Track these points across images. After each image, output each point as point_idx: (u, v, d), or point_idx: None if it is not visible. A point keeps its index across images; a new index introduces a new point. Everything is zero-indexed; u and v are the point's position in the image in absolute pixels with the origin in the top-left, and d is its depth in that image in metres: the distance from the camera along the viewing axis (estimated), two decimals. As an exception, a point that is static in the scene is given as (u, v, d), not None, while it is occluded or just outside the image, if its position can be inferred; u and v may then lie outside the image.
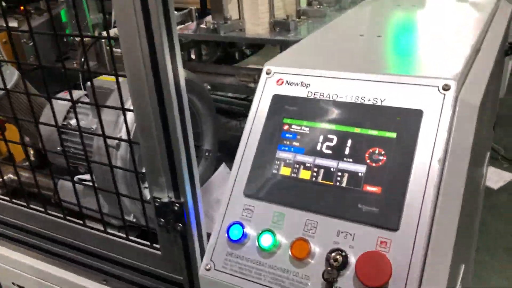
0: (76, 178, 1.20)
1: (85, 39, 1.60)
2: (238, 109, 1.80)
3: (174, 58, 0.73)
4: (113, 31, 1.63)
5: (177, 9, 1.81)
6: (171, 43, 0.71)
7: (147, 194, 0.99)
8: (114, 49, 1.68)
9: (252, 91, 1.49)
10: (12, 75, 1.30)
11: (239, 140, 1.60)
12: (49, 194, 1.35)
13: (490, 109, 1.23)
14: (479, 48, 1.01)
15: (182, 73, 0.75)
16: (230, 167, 1.51)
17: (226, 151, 1.61)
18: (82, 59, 1.47)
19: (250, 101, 1.53)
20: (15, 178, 1.45)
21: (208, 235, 0.93)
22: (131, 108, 0.79)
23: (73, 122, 1.25)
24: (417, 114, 0.78)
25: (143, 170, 0.87)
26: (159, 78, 0.73)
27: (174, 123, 0.77)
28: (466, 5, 1.40)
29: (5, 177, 1.45)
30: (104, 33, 1.55)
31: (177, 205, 0.82)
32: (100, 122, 0.86)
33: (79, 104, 1.22)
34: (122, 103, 0.81)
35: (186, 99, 0.78)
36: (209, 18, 1.43)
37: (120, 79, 1.13)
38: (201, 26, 1.37)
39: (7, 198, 1.16)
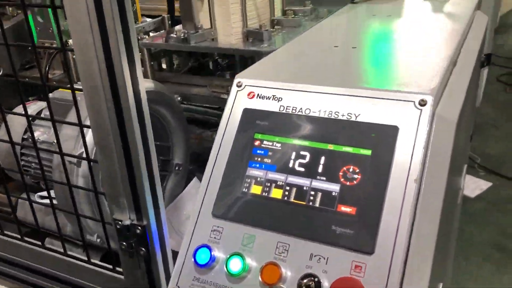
0: (36, 195, 1.13)
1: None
2: (212, 119, 1.76)
3: (133, 70, 0.68)
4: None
5: (149, 16, 1.76)
6: (130, 54, 0.66)
7: (111, 213, 0.94)
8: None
9: (225, 102, 1.44)
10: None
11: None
12: (3, 209, 1.28)
13: (467, 121, 1.21)
14: (455, 60, 0.99)
15: (143, 87, 0.70)
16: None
17: (200, 163, 1.56)
18: (47, 69, 1.41)
19: (219, 106, 1.48)
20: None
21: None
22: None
23: (35, 135, 1.18)
24: (392, 131, 0.75)
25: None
26: (118, 92, 0.68)
27: (135, 140, 0.71)
28: (442, 16, 1.38)
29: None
30: (70, 42, 1.48)
31: (139, 228, 0.76)
32: (57, 138, 0.80)
33: (39, 117, 1.16)
34: (79, 119, 0.75)
35: (148, 114, 0.73)
36: (179, 27, 1.38)
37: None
38: (171, 35, 1.32)
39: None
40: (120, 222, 0.77)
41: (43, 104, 1.24)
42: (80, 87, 0.73)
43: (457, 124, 0.79)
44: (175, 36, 1.29)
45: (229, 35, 1.25)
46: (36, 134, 1.16)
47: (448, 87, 0.86)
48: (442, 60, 0.92)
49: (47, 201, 1.10)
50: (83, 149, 0.97)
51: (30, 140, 1.18)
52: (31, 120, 1.18)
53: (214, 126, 1.72)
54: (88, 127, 0.74)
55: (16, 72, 0.78)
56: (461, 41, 1.08)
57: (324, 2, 1.78)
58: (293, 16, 1.39)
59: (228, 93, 1.40)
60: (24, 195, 1.15)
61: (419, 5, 1.48)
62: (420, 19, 1.34)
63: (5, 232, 1.04)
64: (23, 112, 1.10)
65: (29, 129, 0.83)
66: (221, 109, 1.64)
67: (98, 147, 0.74)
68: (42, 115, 1.20)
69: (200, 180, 1.38)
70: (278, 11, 1.39)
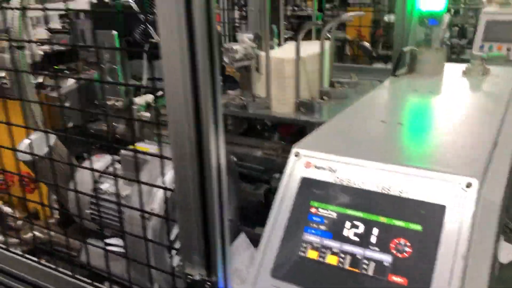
0: (105, 242, 1.24)
1: (117, 103, 1.69)
2: (255, 174, 1.85)
3: (218, 142, 0.78)
4: (143, 99, 1.72)
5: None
6: (217, 128, 0.77)
7: (172, 262, 1.02)
8: (142, 113, 1.77)
9: (274, 163, 1.56)
10: (49, 139, 1.37)
11: (254, 205, 1.62)
12: (70, 253, 1.38)
13: (507, 195, 1.27)
14: (497, 141, 1.07)
15: (224, 156, 0.80)
16: (245, 231, 1.53)
17: (243, 217, 1.64)
18: (112, 123, 1.55)
19: (267, 167, 1.56)
20: (40, 235, 1.49)
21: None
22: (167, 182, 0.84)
23: (103, 186, 1.30)
24: (440, 209, 0.83)
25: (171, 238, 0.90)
26: (203, 160, 0.79)
27: (213, 204, 0.82)
28: (481, 94, 1.48)
29: (28, 235, 1.49)
30: (136, 100, 1.64)
31: (209, 283, 0.85)
32: (140, 197, 0.91)
33: (112, 172, 1.28)
34: (164, 183, 0.87)
35: (226, 180, 0.83)
36: (237, 92, 1.51)
37: (153, 147, 1.20)
38: (231, 101, 1.45)
39: (36, 259, 1.19)
40: (191, 277, 0.86)
41: (109, 158, 1.37)
42: (167, 157, 0.84)
43: (501, 205, 0.86)
44: (234, 103, 1.43)
45: (283, 105, 1.38)
46: (105, 186, 1.29)
47: (491, 168, 0.95)
48: (485, 141, 1.01)
49: (114, 248, 1.21)
50: (154, 204, 1.09)
51: (99, 191, 1.30)
52: (101, 174, 1.30)
53: (258, 181, 1.81)
54: (171, 190, 0.85)
55: (113, 142, 0.90)
56: (501, 121, 1.17)
57: (367, 73, 1.91)
58: (340, 87, 1.51)
59: (278, 156, 1.52)
60: (89, 240, 1.26)
61: (458, 81, 1.58)
62: (460, 97, 1.43)
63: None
64: (94, 167, 1.23)
65: (116, 187, 0.94)
66: (269, 169, 1.73)
67: (179, 208, 0.84)
68: (110, 169, 1.33)
69: (244, 231, 1.46)
70: (326, 82, 1.51)
